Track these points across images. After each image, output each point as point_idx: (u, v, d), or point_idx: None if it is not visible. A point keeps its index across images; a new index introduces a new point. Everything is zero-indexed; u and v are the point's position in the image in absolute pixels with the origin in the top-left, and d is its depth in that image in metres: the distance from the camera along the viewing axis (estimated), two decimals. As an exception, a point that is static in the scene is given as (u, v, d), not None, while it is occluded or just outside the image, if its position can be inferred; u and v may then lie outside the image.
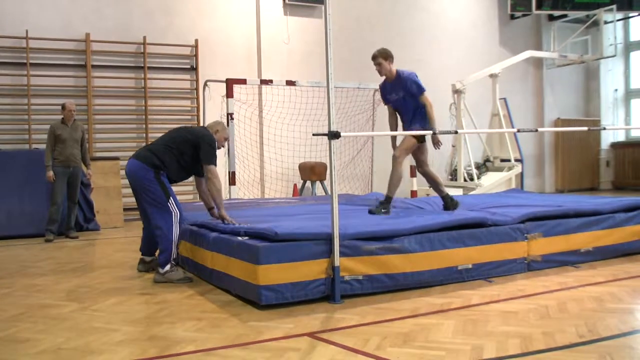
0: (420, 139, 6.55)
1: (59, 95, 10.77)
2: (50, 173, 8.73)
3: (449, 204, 6.69)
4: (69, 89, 11.07)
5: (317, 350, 3.55)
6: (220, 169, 10.45)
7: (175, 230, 5.60)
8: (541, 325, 3.97)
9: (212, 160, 5.71)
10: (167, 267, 5.57)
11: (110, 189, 10.21)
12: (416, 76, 6.56)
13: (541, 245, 5.74)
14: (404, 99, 6.53)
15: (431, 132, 6.19)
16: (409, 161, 11.31)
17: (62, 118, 8.97)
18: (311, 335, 3.84)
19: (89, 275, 6.11)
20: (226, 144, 6.31)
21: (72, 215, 9.15)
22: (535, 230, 5.73)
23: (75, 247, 8.23)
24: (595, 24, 14.86)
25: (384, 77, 6.69)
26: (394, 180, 6.48)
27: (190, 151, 5.71)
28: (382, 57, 6.52)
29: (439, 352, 3.47)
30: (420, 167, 6.86)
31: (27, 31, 10.61)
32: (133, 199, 6.14)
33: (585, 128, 7.84)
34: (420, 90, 6.48)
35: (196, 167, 5.84)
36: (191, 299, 4.91)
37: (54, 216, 8.84)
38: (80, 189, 9.28)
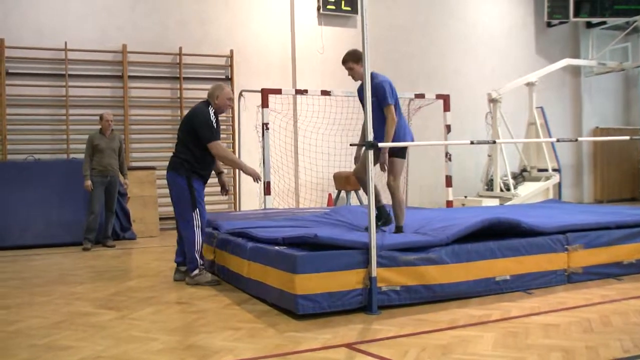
0: (403, 155, 5.90)
1: (96, 106, 10.94)
2: (88, 182, 8.86)
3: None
4: (106, 100, 11.24)
5: (355, 362, 3.53)
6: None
7: (198, 240, 5.86)
8: (584, 338, 3.87)
9: (211, 137, 5.86)
10: (196, 271, 5.89)
11: (147, 199, 10.32)
12: (390, 84, 5.69)
13: (582, 257, 5.61)
14: (373, 104, 5.48)
15: (469, 142, 6.10)
16: (443, 171, 11.23)
17: (100, 128, 9.11)
18: (349, 346, 3.80)
19: (126, 283, 6.17)
20: (231, 104, 6.23)
21: (110, 224, 9.27)
22: (576, 241, 5.61)
23: (112, 255, 8.33)
24: (636, 30, 14.60)
25: (359, 82, 5.92)
26: (399, 208, 5.83)
27: (197, 139, 5.89)
28: (352, 60, 5.81)
29: (479, 365, 3.42)
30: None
31: (65, 43, 10.81)
32: (169, 209, 6.44)
33: (627, 137, 7.66)
34: (385, 101, 5.59)
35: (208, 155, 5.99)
36: (228, 309, 4.91)
37: (91, 225, 8.96)
38: (117, 199, 9.40)
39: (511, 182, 12.29)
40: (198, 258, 5.87)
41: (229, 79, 12.08)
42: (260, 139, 9.76)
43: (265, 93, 9.76)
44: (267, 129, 9.58)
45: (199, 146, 5.90)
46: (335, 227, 6.05)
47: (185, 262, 6.09)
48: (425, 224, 6.02)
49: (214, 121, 5.94)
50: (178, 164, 5.93)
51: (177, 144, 6.12)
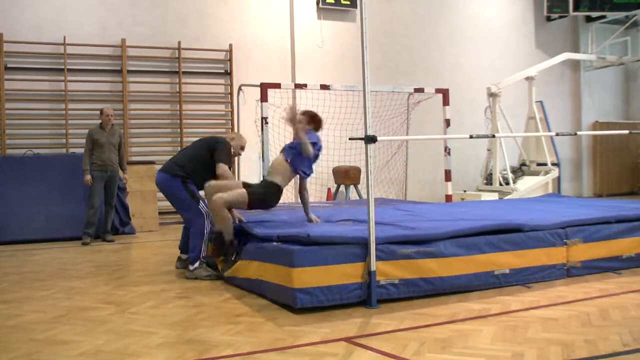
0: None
1: (95, 101, 10.94)
2: (88, 177, 8.86)
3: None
4: (105, 94, 11.22)
5: (354, 356, 3.52)
6: (254, 174, 10.58)
7: (206, 231, 5.93)
8: (583, 332, 3.88)
9: (223, 159, 6.03)
10: (196, 264, 5.90)
11: (146, 193, 10.32)
12: None
13: (581, 251, 5.61)
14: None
15: (468, 136, 6.09)
16: (442, 166, 11.21)
17: (100, 123, 9.10)
18: (348, 340, 3.81)
19: (126, 278, 6.17)
20: (242, 152, 6.61)
21: (109, 218, 9.27)
22: (575, 235, 5.61)
23: (112, 250, 8.33)
24: (635, 24, 14.59)
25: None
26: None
27: (209, 157, 6.05)
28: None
29: (478, 359, 3.41)
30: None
31: (64, 37, 10.80)
32: (168, 203, 6.62)
33: (626, 131, 7.65)
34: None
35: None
36: (227, 303, 4.92)
37: (91, 219, 8.96)
38: (117, 193, 9.40)
39: (510, 176, 12.30)
40: (203, 247, 5.91)
41: (229, 74, 12.07)
42: (260, 133, 9.75)
43: (264, 87, 9.74)
44: (267, 123, 9.57)
45: (208, 166, 6.02)
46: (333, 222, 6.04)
47: (188, 251, 6.15)
48: (423, 218, 6.03)
49: (232, 151, 6.27)
50: (174, 169, 6.08)
51: (181, 155, 6.28)
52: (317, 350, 3.63)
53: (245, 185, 5.87)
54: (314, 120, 5.98)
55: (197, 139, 6.57)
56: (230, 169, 6.07)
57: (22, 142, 10.55)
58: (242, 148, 6.52)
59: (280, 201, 6.17)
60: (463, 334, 3.89)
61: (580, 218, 5.85)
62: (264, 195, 5.77)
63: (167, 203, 6.78)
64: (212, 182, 5.87)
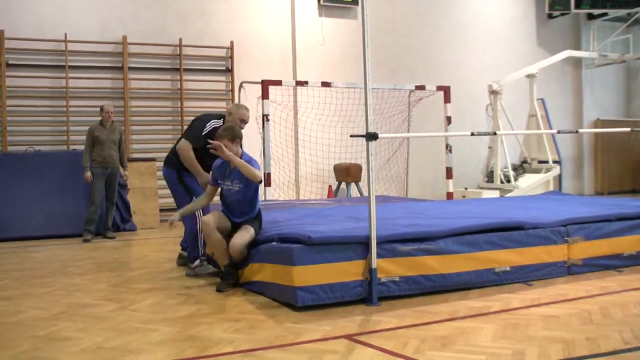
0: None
1: (96, 97, 10.93)
2: (88, 174, 8.86)
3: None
4: (106, 91, 11.22)
5: (355, 353, 3.52)
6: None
7: (199, 229, 5.81)
8: (584, 330, 3.87)
9: (188, 136, 5.86)
10: (197, 262, 5.89)
11: (147, 190, 10.31)
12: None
13: (582, 249, 5.61)
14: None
15: (469, 133, 6.07)
16: (443, 163, 11.20)
17: (101, 120, 9.10)
18: (349, 337, 3.80)
19: (126, 275, 6.17)
20: (243, 126, 5.87)
21: (110, 215, 9.28)
22: (576, 233, 5.60)
23: (112, 247, 8.33)
24: (637, 22, 14.58)
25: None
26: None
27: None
28: (228, 138, 5.27)
29: (479, 357, 3.41)
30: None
31: (65, 34, 10.79)
32: (168, 200, 6.56)
33: (628, 129, 7.63)
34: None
35: (208, 158, 5.73)
36: (228, 300, 4.92)
37: (92, 216, 8.97)
38: (117, 190, 9.40)
39: (512, 173, 12.29)
40: (200, 247, 5.89)
41: (230, 71, 12.07)
42: (261, 130, 9.75)
43: (265, 84, 9.73)
44: (268, 120, 9.56)
45: (199, 156, 5.82)
46: (333, 220, 6.04)
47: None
48: (424, 216, 6.02)
49: (206, 130, 5.79)
50: (171, 160, 6.06)
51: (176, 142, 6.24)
52: (318, 348, 3.62)
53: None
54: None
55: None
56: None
57: (23, 139, 10.55)
58: (243, 121, 5.87)
59: (278, 201, 6.17)
60: (464, 331, 3.89)
61: (581, 216, 5.85)
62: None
63: (168, 200, 6.79)
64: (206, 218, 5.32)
